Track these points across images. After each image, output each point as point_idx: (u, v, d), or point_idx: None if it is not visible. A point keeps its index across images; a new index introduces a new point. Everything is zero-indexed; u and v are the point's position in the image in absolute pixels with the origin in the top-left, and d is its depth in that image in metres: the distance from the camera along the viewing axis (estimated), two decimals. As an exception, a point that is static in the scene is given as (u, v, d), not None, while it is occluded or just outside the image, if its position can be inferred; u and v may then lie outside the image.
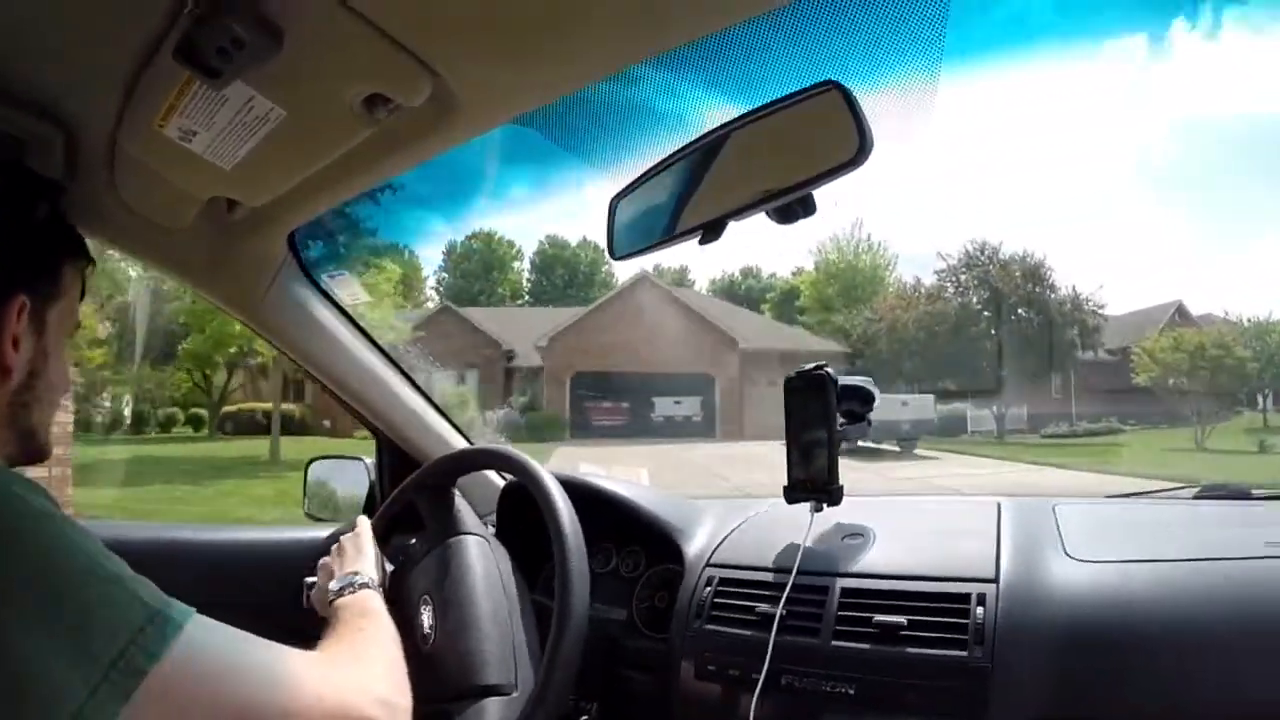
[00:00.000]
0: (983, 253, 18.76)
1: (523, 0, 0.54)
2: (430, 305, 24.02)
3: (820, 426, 0.89)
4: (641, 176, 0.77)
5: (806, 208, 0.68)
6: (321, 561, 0.87)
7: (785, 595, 0.86)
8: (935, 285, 19.38)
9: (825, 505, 0.90)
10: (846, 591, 0.85)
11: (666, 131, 0.77)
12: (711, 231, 0.72)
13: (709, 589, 0.93)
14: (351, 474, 1.27)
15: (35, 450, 0.62)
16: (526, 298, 34.83)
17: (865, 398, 0.92)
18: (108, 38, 0.59)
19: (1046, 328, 17.45)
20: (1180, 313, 19.47)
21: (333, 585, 0.79)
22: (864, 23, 0.68)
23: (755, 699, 0.81)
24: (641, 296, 19.11)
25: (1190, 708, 0.72)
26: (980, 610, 0.78)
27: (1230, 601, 0.74)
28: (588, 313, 19.47)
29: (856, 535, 0.93)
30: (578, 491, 0.89)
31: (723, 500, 1.20)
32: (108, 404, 14.44)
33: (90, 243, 0.69)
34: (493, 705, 0.75)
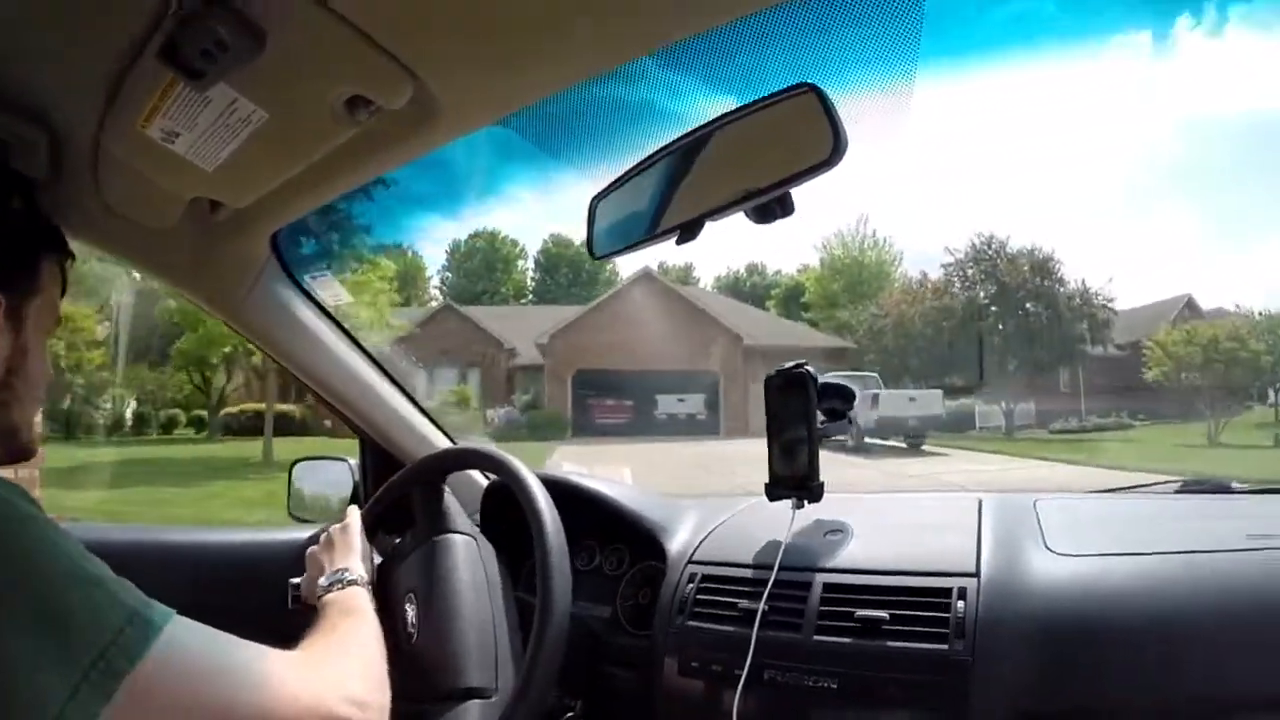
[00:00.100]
0: (990, 246, 18.49)
1: (503, 4, 0.55)
2: (435, 304, 23.99)
3: (801, 424, 0.90)
4: (621, 177, 0.78)
5: (784, 207, 0.69)
6: (310, 552, 0.88)
7: (767, 591, 0.86)
8: (942, 280, 19.12)
9: (806, 502, 0.91)
10: (828, 587, 0.86)
11: (645, 133, 0.77)
12: (688, 232, 0.73)
13: (691, 586, 0.94)
14: (335, 474, 1.27)
15: (19, 449, 0.62)
16: (530, 297, 34.81)
17: (845, 396, 0.92)
18: (91, 39, 0.59)
19: (1055, 322, 17.24)
20: (1190, 306, 19.33)
21: (321, 581, 0.80)
22: (840, 26, 0.69)
23: (738, 694, 0.82)
24: (644, 293, 18.98)
25: (1171, 700, 0.72)
26: (961, 604, 0.79)
27: (1212, 594, 0.74)
28: (589, 310, 19.34)
29: (838, 531, 0.94)
30: (561, 490, 0.90)
31: (705, 498, 1.21)
32: (108, 405, 14.46)
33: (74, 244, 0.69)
34: (473, 708, 0.75)
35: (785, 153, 0.65)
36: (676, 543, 1.02)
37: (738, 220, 0.70)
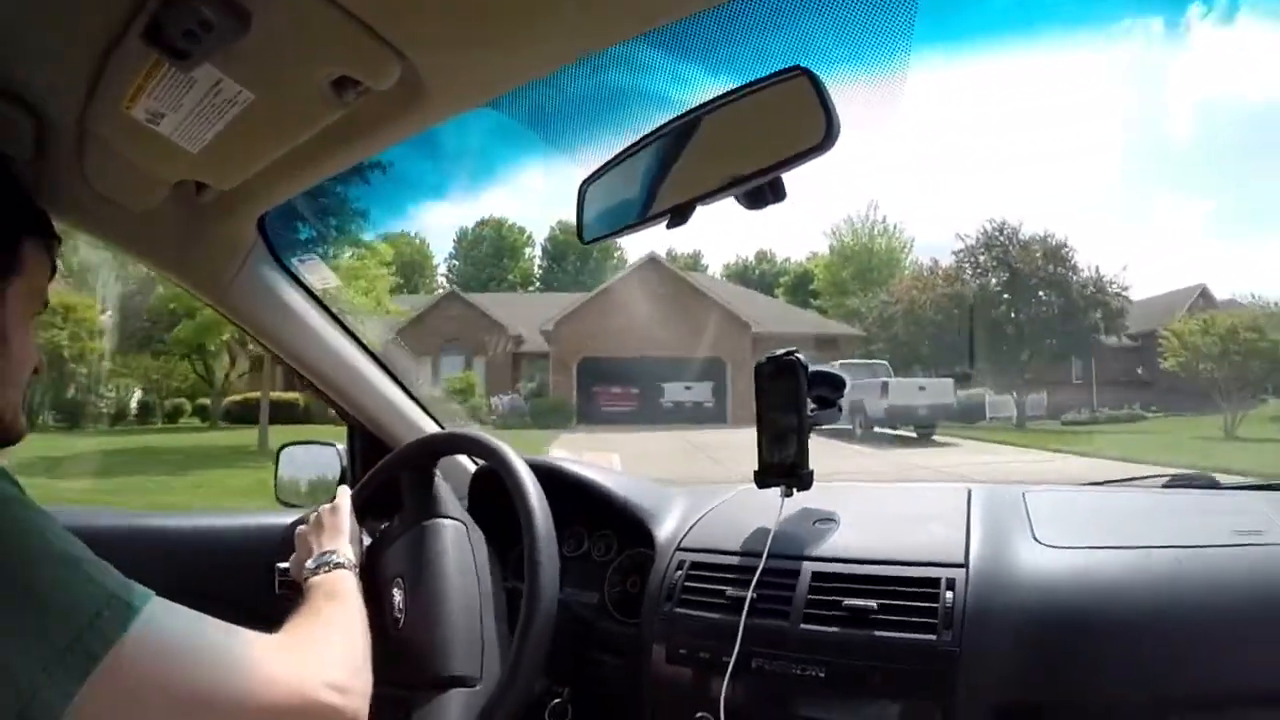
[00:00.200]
0: (1001, 233, 18.19)
1: None
2: (441, 291, 24.00)
3: (791, 412, 0.89)
4: (611, 161, 0.77)
5: (776, 192, 0.68)
6: (299, 531, 0.87)
7: (755, 579, 0.86)
8: (953, 266, 18.85)
9: (795, 490, 0.91)
10: (817, 575, 0.85)
11: (636, 115, 0.77)
12: (679, 215, 0.73)
13: (680, 573, 0.94)
14: (323, 459, 1.27)
15: (2, 432, 0.62)
16: (538, 284, 34.77)
17: (835, 384, 0.92)
18: (75, 19, 0.59)
19: (1068, 310, 17.00)
20: (1204, 296, 19.08)
21: (309, 563, 0.79)
22: (833, 8, 0.68)
23: (726, 682, 0.82)
24: (650, 280, 18.82)
25: (1157, 694, 0.72)
26: (950, 594, 0.79)
27: (1199, 589, 0.74)
28: (594, 296, 19.17)
29: (827, 520, 0.94)
30: (549, 476, 0.90)
31: (694, 485, 1.20)
32: (112, 395, 14.47)
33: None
34: (456, 696, 0.75)
35: (777, 137, 0.64)
36: (665, 529, 1.02)
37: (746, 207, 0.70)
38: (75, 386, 13.09)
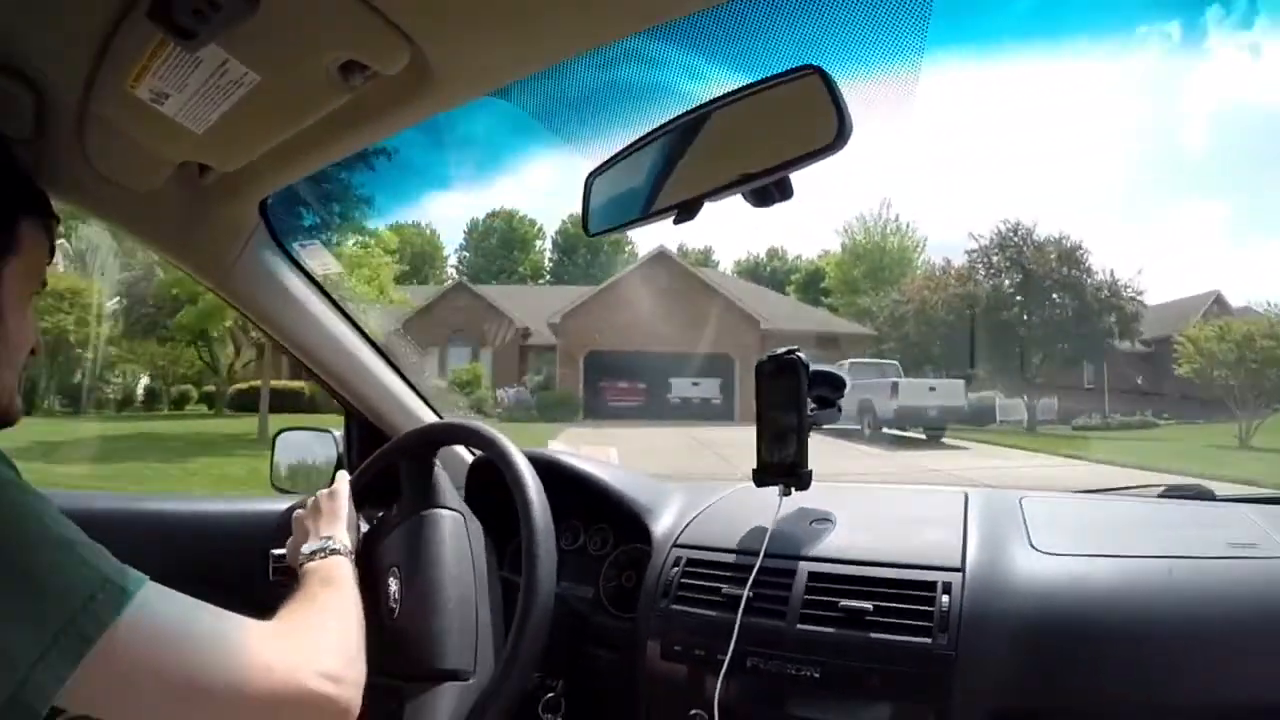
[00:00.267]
0: (1015, 234, 17.91)
1: None
2: (450, 282, 24.02)
3: (791, 411, 0.89)
4: (619, 154, 0.77)
5: (783, 191, 0.68)
6: (296, 515, 0.87)
7: (752, 578, 0.86)
8: (965, 266, 18.57)
9: (794, 489, 0.90)
10: (813, 575, 0.85)
11: (645, 109, 0.76)
12: (686, 211, 0.72)
13: (676, 569, 0.94)
14: (320, 446, 1.26)
15: None
16: (548, 277, 34.74)
17: (835, 383, 0.91)
18: None
19: (1082, 314, 16.76)
20: (1219, 303, 18.83)
21: (305, 549, 0.79)
22: (847, 7, 0.67)
23: (720, 680, 0.82)
24: (659, 274, 18.69)
25: (1150, 703, 0.72)
26: (946, 598, 0.79)
27: (1192, 600, 0.74)
28: (602, 290, 19.03)
29: (824, 520, 0.93)
30: (547, 469, 0.89)
31: (692, 482, 1.20)
32: (119, 380, 14.45)
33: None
34: (449, 689, 0.75)
35: (788, 136, 0.64)
36: (662, 525, 1.01)
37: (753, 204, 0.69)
38: (81, 371, 13.07)
